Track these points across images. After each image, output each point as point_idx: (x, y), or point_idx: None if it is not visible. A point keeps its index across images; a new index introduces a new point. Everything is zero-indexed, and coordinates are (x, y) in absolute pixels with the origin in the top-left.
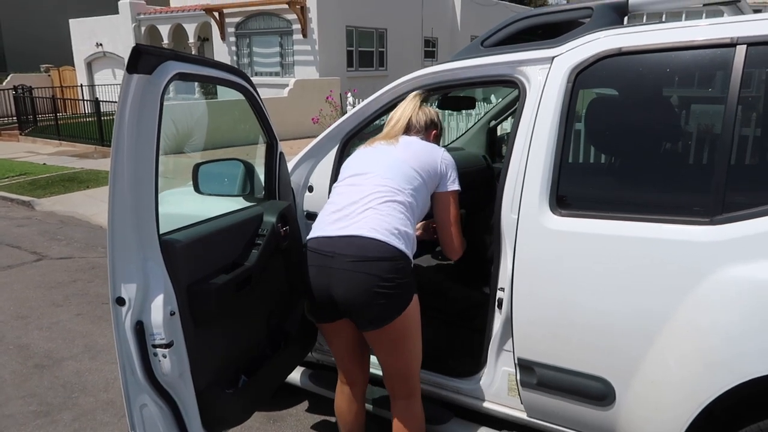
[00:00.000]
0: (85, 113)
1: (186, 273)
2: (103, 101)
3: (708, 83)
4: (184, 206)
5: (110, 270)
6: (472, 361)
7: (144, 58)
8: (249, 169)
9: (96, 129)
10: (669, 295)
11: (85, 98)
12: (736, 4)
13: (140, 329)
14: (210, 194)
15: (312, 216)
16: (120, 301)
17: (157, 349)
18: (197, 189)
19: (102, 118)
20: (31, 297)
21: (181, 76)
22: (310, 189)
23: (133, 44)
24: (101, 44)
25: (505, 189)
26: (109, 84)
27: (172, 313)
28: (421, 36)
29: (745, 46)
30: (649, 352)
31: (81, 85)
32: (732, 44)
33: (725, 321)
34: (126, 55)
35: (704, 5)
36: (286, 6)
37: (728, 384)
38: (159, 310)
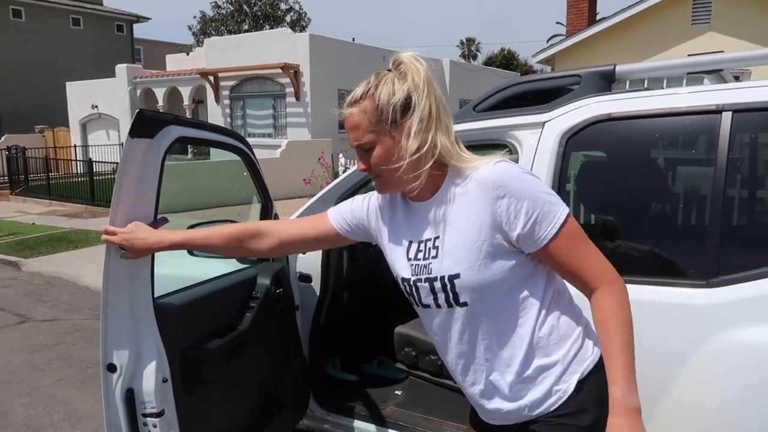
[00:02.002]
0: (77, 173)
1: (179, 338)
2: (96, 161)
3: (696, 147)
4: (176, 268)
5: (102, 335)
6: None
7: (147, 123)
8: None
9: (88, 189)
10: (667, 359)
11: (78, 158)
12: (718, 73)
13: (130, 397)
14: (202, 256)
15: (305, 277)
16: (111, 368)
17: (147, 418)
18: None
19: (94, 177)
20: (12, 361)
21: (182, 140)
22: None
23: (128, 106)
24: (96, 106)
25: None
26: (103, 144)
27: (165, 380)
28: None
29: (731, 112)
30: (652, 416)
31: (75, 146)
32: (718, 111)
33: (722, 387)
34: (121, 116)
35: (687, 74)
36: (280, 70)
37: None
38: (151, 378)
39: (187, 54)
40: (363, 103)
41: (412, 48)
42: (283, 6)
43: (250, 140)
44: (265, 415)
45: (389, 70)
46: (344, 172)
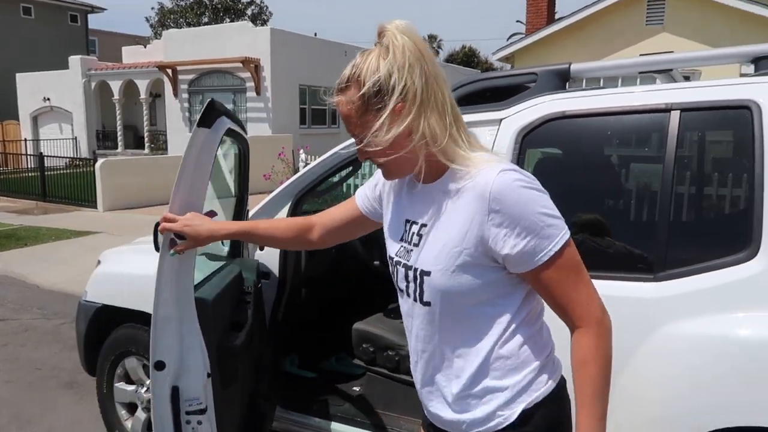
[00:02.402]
0: (28, 168)
1: (214, 333)
2: (47, 156)
3: (646, 145)
4: (140, 265)
5: (152, 332)
6: None
7: (211, 113)
8: None
9: (38, 184)
10: (617, 351)
11: (28, 153)
12: (668, 72)
13: (175, 395)
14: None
15: (263, 274)
16: (159, 365)
17: (191, 416)
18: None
19: (45, 173)
20: None
21: (228, 132)
22: (261, 247)
23: (82, 99)
24: (49, 99)
25: None
26: (56, 138)
27: (209, 376)
28: None
29: (679, 111)
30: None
31: (25, 140)
32: (667, 110)
33: (671, 375)
34: (74, 109)
35: (639, 73)
36: (240, 64)
37: None
38: (198, 374)
39: (145, 46)
40: (349, 92)
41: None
42: None
43: None
44: (269, 405)
45: (375, 45)
46: (305, 167)
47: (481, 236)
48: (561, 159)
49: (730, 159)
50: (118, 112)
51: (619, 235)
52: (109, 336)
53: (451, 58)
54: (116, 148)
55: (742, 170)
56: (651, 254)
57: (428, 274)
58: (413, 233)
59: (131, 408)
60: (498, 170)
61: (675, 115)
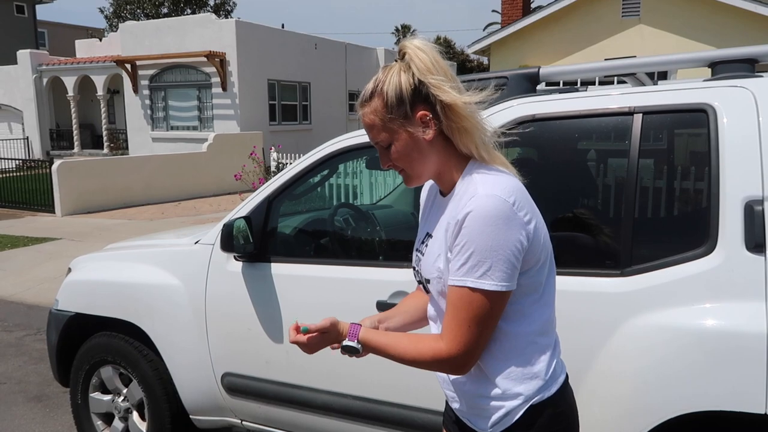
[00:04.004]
0: None
1: None
2: None
3: (612, 146)
4: (98, 273)
5: None
6: None
7: None
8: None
9: None
10: (586, 345)
11: None
12: (635, 75)
13: None
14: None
15: None
16: None
17: None
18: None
19: None
20: None
21: None
22: None
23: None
24: None
25: None
26: (4, 139)
27: None
28: (346, 89)
29: (641, 114)
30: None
31: None
32: (630, 113)
33: (638, 367)
34: (25, 107)
35: (605, 76)
36: (205, 59)
37: (642, 430)
38: None
39: (100, 40)
40: (373, 102)
41: (347, 35)
42: None
43: (173, 133)
44: None
45: (396, 61)
46: (276, 166)
47: (449, 246)
48: (531, 160)
49: (689, 159)
50: (73, 109)
51: (587, 232)
52: (83, 345)
53: None
54: (72, 149)
55: (701, 170)
56: (617, 251)
57: (429, 282)
58: (423, 244)
59: (108, 418)
60: (486, 194)
61: (638, 118)
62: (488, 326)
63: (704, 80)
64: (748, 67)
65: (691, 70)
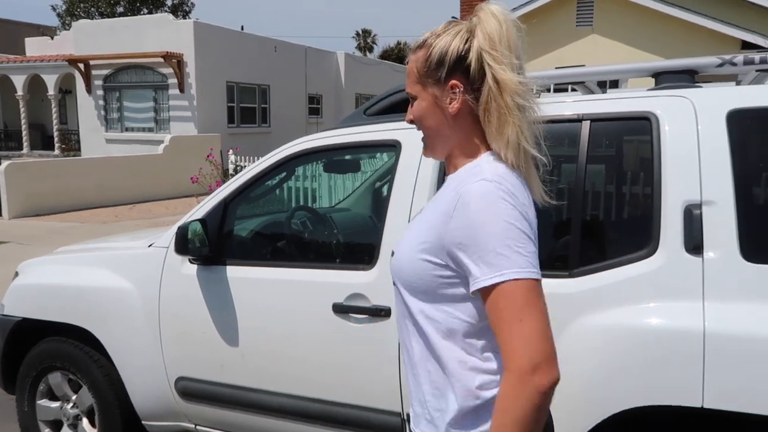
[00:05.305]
0: None
1: None
2: None
3: (563, 152)
4: (42, 277)
5: None
6: None
7: None
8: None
9: None
10: None
11: None
12: (584, 84)
13: None
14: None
15: None
16: None
17: None
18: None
19: None
20: None
21: None
22: None
23: None
24: None
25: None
26: None
27: None
28: (306, 93)
29: (589, 121)
30: None
31: None
32: (579, 120)
33: (585, 366)
34: None
35: (554, 84)
36: (162, 59)
37: (589, 425)
38: None
39: (52, 38)
40: (419, 52)
41: (307, 38)
42: None
43: (129, 135)
44: None
45: (467, 18)
46: (234, 169)
47: (441, 235)
48: None
49: (634, 164)
50: (22, 109)
51: (539, 235)
52: (31, 351)
53: (386, 55)
54: (21, 149)
55: (645, 175)
56: (566, 253)
57: (392, 254)
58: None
59: (56, 426)
60: (480, 179)
61: (586, 125)
62: (541, 310)
63: (648, 89)
64: (689, 77)
65: (640, 79)
